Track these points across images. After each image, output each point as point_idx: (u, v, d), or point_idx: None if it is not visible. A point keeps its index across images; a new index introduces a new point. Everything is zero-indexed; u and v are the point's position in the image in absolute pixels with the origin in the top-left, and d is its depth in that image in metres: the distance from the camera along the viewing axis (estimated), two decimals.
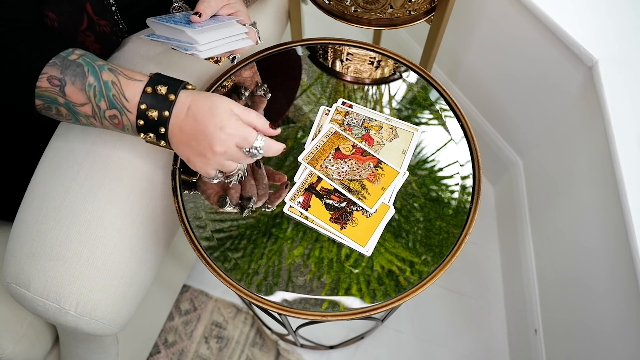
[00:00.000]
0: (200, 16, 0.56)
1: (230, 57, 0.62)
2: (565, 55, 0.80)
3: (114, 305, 0.59)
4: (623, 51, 0.75)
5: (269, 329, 1.06)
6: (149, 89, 0.50)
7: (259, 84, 0.66)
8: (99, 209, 0.58)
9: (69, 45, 0.52)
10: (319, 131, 0.64)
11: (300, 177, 0.60)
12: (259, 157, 0.53)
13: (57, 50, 0.50)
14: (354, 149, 0.63)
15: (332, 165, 0.61)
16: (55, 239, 0.57)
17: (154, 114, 0.50)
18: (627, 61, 0.74)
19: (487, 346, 1.07)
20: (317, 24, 1.19)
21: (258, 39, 0.62)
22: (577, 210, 0.83)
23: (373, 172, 0.61)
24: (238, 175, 0.55)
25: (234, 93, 0.66)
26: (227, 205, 0.57)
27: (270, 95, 0.66)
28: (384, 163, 0.62)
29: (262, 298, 0.54)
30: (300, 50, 0.73)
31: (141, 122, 0.51)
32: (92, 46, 0.65)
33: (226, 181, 0.56)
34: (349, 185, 0.60)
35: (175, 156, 0.62)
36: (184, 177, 0.60)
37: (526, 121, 1.00)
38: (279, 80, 0.64)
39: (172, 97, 0.50)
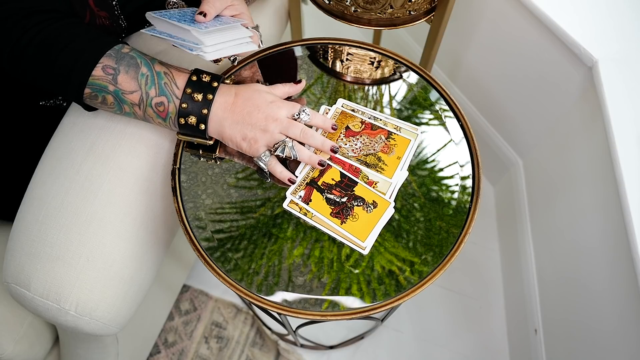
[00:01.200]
0: (205, 16, 0.57)
1: (231, 58, 0.62)
2: (565, 55, 0.80)
3: (114, 305, 0.59)
4: (623, 51, 0.75)
5: (269, 329, 1.06)
6: (194, 77, 0.55)
7: (260, 83, 0.66)
8: (99, 209, 0.58)
9: (118, 41, 0.56)
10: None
11: (301, 172, 0.60)
12: (307, 121, 0.58)
13: (112, 44, 0.54)
14: (363, 125, 0.64)
15: (346, 144, 0.63)
16: (56, 239, 0.57)
17: (199, 96, 0.55)
18: (627, 61, 0.74)
19: (487, 346, 1.07)
20: (317, 24, 1.19)
21: (260, 43, 0.63)
22: (577, 210, 0.83)
23: (386, 143, 0.63)
24: (287, 146, 0.57)
25: None
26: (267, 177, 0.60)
27: None
28: (395, 133, 0.64)
29: (262, 298, 0.54)
30: (300, 50, 0.73)
31: (185, 105, 0.55)
32: None
33: (276, 152, 0.57)
34: (365, 160, 0.61)
35: (175, 156, 0.62)
36: (205, 154, 0.62)
37: (526, 121, 1.00)
38: (277, 80, 0.64)
39: (215, 84, 0.56)
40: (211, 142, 0.59)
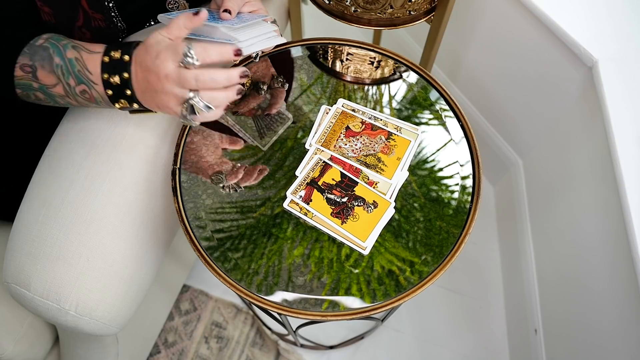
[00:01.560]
0: (230, 13, 0.56)
1: (253, 55, 0.61)
2: (565, 55, 0.80)
3: (114, 305, 0.59)
4: (623, 51, 0.75)
5: (269, 329, 1.06)
6: (106, 58, 0.52)
7: (275, 76, 0.66)
8: (99, 209, 0.58)
9: (38, 32, 0.54)
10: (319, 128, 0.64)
11: (302, 172, 0.60)
12: (196, 64, 0.49)
13: (27, 40, 0.52)
14: (364, 125, 0.64)
15: (346, 144, 0.63)
16: (56, 239, 0.57)
17: (115, 79, 0.52)
18: (627, 61, 0.74)
19: (487, 346, 1.07)
20: (317, 24, 1.18)
21: (280, 35, 0.61)
22: (577, 210, 0.83)
23: (386, 144, 0.63)
24: (192, 101, 0.50)
25: (253, 90, 0.67)
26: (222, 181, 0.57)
27: (287, 85, 0.66)
28: (395, 134, 0.63)
29: (262, 298, 0.54)
30: (300, 50, 0.73)
31: (110, 92, 0.52)
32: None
33: (188, 113, 0.51)
34: (365, 161, 0.61)
35: (175, 156, 0.62)
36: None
37: (526, 121, 1.00)
38: (273, 81, 0.64)
39: (126, 58, 0.51)
40: (157, 112, 0.56)
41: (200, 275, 1.14)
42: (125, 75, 0.51)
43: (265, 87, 0.66)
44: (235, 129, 0.64)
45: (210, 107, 0.50)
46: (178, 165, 0.61)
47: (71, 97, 0.54)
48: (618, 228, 0.68)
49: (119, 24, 0.65)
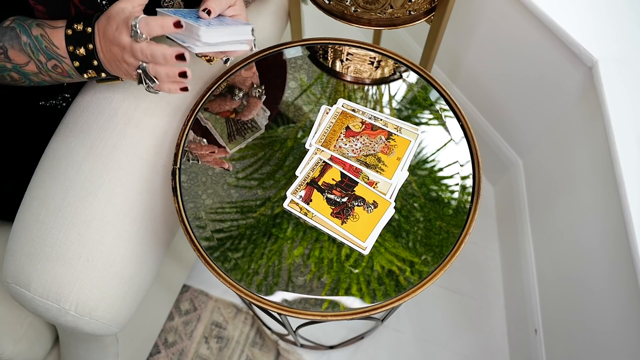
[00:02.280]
0: (209, 14, 0.56)
1: (224, 59, 0.61)
2: (565, 55, 0.80)
3: (114, 305, 0.59)
4: (623, 51, 0.75)
5: (269, 329, 1.06)
6: (69, 31, 0.53)
7: (255, 86, 0.66)
8: (99, 209, 0.58)
9: (7, 16, 0.55)
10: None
11: (302, 172, 0.60)
12: (142, 37, 0.50)
13: None
14: (364, 125, 0.64)
15: (346, 144, 0.62)
16: (55, 239, 0.57)
17: (81, 50, 0.53)
18: (627, 61, 0.74)
19: (487, 346, 1.07)
20: (317, 24, 1.18)
21: (253, 46, 0.61)
22: (577, 210, 0.83)
23: (386, 144, 0.63)
24: (141, 74, 0.52)
25: (228, 93, 0.66)
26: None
27: (265, 97, 0.66)
28: (395, 134, 0.63)
29: (262, 298, 0.54)
30: (300, 50, 0.73)
31: (77, 64, 0.54)
32: None
33: (143, 83, 0.54)
34: (365, 161, 0.61)
35: (175, 156, 0.62)
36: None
37: (526, 121, 1.00)
38: (267, 84, 0.64)
39: (89, 29, 0.53)
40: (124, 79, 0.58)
41: (200, 275, 1.14)
42: (90, 46, 0.53)
43: (240, 94, 0.67)
44: (208, 125, 0.64)
45: (154, 80, 0.53)
46: (178, 165, 0.61)
47: (44, 73, 0.55)
48: (618, 228, 0.68)
49: None
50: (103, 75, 0.55)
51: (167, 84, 0.54)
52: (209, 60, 0.61)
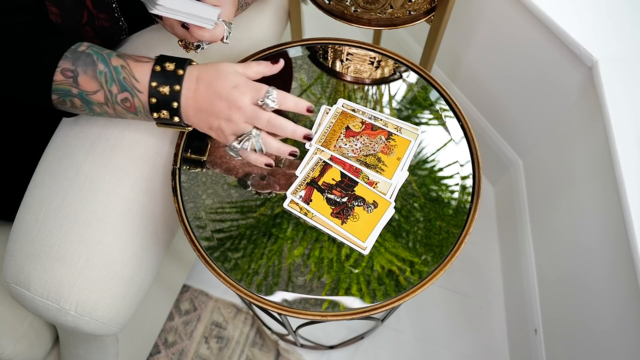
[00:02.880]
0: None
1: (195, 45, 0.60)
2: (565, 55, 0.80)
3: (114, 305, 0.59)
4: (623, 51, 0.75)
5: (269, 329, 1.06)
6: (158, 68, 0.52)
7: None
8: (99, 209, 0.58)
9: (77, 40, 0.54)
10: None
11: (302, 172, 0.60)
12: (273, 107, 0.54)
13: (68, 45, 0.53)
14: (364, 125, 0.64)
15: (346, 144, 0.62)
16: (55, 239, 0.57)
17: (165, 89, 0.52)
18: (627, 61, 0.74)
19: (487, 346, 1.07)
20: (317, 24, 1.18)
21: (225, 37, 0.59)
22: (577, 210, 0.83)
23: (386, 144, 0.63)
24: (252, 139, 0.54)
25: None
26: (248, 185, 0.59)
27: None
28: (395, 134, 0.63)
29: (262, 298, 0.54)
30: (300, 50, 0.73)
31: (154, 100, 0.52)
32: (92, 41, 0.65)
33: (241, 146, 0.54)
34: (365, 161, 0.61)
35: (175, 156, 0.62)
36: (193, 157, 0.61)
37: (526, 121, 1.00)
38: (271, 83, 0.63)
39: (180, 72, 0.52)
40: (190, 128, 0.57)
41: (200, 275, 1.14)
42: (177, 87, 0.52)
43: None
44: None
45: (262, 150, 0.53)
46: (178, 165, 0.61)
47: (110, 105, 0.54)
48: (618, 228, 0.68)
49: (121, 24, 0.66)
50: (176, 119, 0.53)
51: (258, 156, 0.55)
52: (186, 47, 0.60)
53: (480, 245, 1.18)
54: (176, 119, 0.54)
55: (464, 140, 0.64)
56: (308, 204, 0.58)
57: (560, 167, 0.91)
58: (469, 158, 0.63)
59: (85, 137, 0.62)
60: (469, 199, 0.60)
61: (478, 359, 1.05)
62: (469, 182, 0.61)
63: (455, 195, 0.60)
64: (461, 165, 0.63)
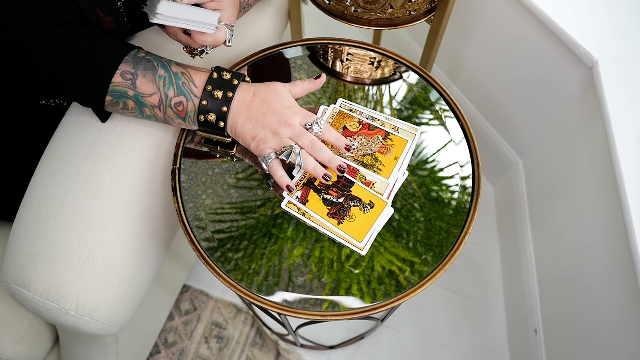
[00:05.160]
0: None
1: (198, 50, 0.61)
2: (565, 55, 0.80)
3: (114, 305, 0.59)
4: (623, 51, 0.75)
5: (269, 329, 1.06)
6: (215, 75, 0.56)
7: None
8: (99, 209, 0.58)
9: (134, 46, 0.57)
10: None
11: (298, 172, 0.60)
12: (318, 133, 0.57)
13: (128, 50, 0.56)
14: (361, 125, 0.64)
15: None
16: (56, 239, 0.57)
17: (218, 94, 0.55)
18: (627, 61, 0.74)
19: (487, 346, 1.07)
20: (317, 24, 1.19)
21: (227, 41, 0.60)
22: (577, 210, 0.83)
23: (383, 144, 0.63)
24: (294, 152, 0.56)
25: None
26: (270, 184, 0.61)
27: None
28: (392, 134, 0.63)
29: (262, 298, 0.54)
30: (300, 50, 0.73)
31: (204, 103, 0.55)
32: None
33: (282, 156, 0.57)
34: (362, 160, 0.61)
35: (175, 156, 0.62)
36: (222, 150, 0.62)
37: (526, 121, 1.00)
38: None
39: (235, 82, 0.56)
40: (229, 140, 0.59)
41: (200, 275, 1.14)
42: (230, 94, 0.55)
43: None
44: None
45: (300, 165, 0.56)
46: (178, 165, 0.61)
47: (162, 108, 0.56)
48: (618, 228, 0.68)
49: (128, 25, 0.66)
50: (221, 124, 0.56)
51: (284, 175, 0.56)
52: (190, 53, 0.61)
53: (480, 245, 1.18)
54: (221, 123, 0.56)
55: (464, 140, 0.64)
56: (304, 204, 0.58)
57: (560, 167, 0.91)
58: (469, 158, 0.63)
59: (86, 137, 0.62)
60: (469, 199, 0.60)
61: (478, 359, 1.05)
62: (468, 182, 0.61)
63: (455, 195, 0.60)
64: (461, 166, 0.63)
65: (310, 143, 0.56)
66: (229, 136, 0.59)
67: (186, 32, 0.58)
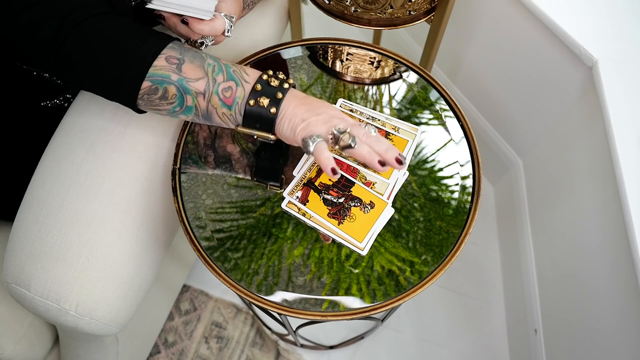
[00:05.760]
0: None
1: (198, 42, 0.60)
2: (565, 55, 0.80)
3: (114, 305, 0.59)
4: (623, 51, 0.75)
5: (269, 329, 1.06)
6: (270, 72, 0.55)
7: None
8: (99, 209, 0.59)
9: (176, 38, 0.56)
10: None
11: (299, 172, 0.60)
12: (373, 133, 0.55)
13: (171, 38, 0.54)
14: None
15: None
16: (56, 239, 0.57)
17: (275, 82, 0.54)
18: (627, 61, 0.74)
19: (487, 346, 1.07)
20: (317, 24, 1.19)
21: (226, 31, 0.59)
22: (577, 210, 0.83)
23: None
24: (345, 133, 0.53)
25: None
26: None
27: None
28: (393, 134, 0.63)
29: (262, 298, 0.54)
30: (300, 50, 0.73)
31: (259, 87, 0.53)
32: None
33: (336, 132, 0.53)
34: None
35: (175, 156, 0.62)
36: (272, 186, 0.60)
37: (526, 121, 1.00)
38: None
39: (290, 81, 0.56)
40: (273, 138, 0.55)
41: (200, 275, 1.14)
42: (286, 85, 0.54)
43: None
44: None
45: (352, 145, 0.52)
46: (178, 165, 0.61)
47: (206, 95, 0.53)
48: (618, 228, 0.68)
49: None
50: (273, 110, 0.53)
51: (330, 158, 0.52)
52: (192, 47, 0.60)
53: (480, 245, 1.18)
54: (273, 109, 0.53)
55: (464, 140, 0.64)
56: (305, 204, 0.58)
57: (560, 167, 0.91)
58: (469, 158, 0.63)
59: (86, 137, 0.62)
60: (469, 199, 0.60)
61: (478, 358, 1.05)
62: (469, 182, 0.61)
63: (455, 195, 0.60)
64: (461, 165, 0.63)
65: (364, 133, 0.54)
66: (274, 133, 0.55)
67: (184, 21, 0.57)
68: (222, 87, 0.53)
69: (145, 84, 0.51)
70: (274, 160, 0.61)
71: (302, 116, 0.53)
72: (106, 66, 0.51)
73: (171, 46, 0.53)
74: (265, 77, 0.54)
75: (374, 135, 0.55)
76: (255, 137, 0.55)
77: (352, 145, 0.52)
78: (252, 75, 0.55)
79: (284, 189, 0.59)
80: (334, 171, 0.52)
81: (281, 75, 0.55)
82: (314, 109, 0.54)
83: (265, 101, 0.53)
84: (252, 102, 0.53)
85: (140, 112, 0.57)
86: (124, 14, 0.61)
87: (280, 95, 0.53)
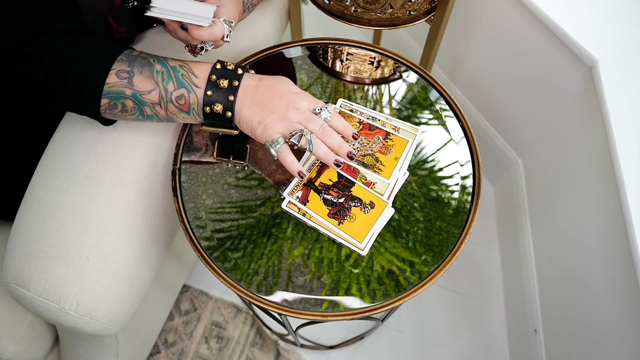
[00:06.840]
0: None
1: (198, 47, 0.60)
2: (565, 55, 0.80)
3: (114, 305, 0.59)
4: (622, 51, 0.75)
5: (269, 329, 1.06)
6: (219, 65, 0.55)
7: None
8: (99, 209, 0.59)
9: (126, 46, 0.56)
10: None
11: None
12: (327, 119, 0.56)
13: (121, 50, 0.54)
14: (361, 125, 0.64)
15: None
16: (56, 239, 0.57)
17: (224, 83, 0.53)
18: (627, 61, 0.74)
19: (487, 346, 1.07)
20: (317, 24, 1.19)
21: (225, 36, 0.59)
22: (577, 210, 0.83)
23: (383, 144, 0.63)
24: (305, 136, 0.54)
25: None
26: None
27: None
28: (393, 134, 0.63)
29: (262, 298, 0.54)
30: (300, 50, 0.73)
31: (210, 93, 0.53)
32: None
33: (291, 139, 0.55)
34: (363, 161, 0.61)
35: (175, 156, 0.62)
36: (236, 162, 0.62)
37: (526, 121, 1.00)
38: None
39: (240, 71, 0.55)
40: (236, 132, 0.57)
41: (200, 275, 1.14)
42: (235, 82, 0.54)
43: None
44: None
45: (311, 150, 0.54)
46: (178, 165, 0.61)
47: (163, 104, 0.54)
48: (618, 228, 0.68)
49: (136, 33, 0.67)
50: (228, 114, 0.54)
51: (295, 161, 0.55)
52: (192, 51, 0.61)
53: (480, 245, 1.18)
54: (229, 113, 0.54)
55: (464, 140, 0.64)
56: (305, 204, 0.58)
57: (560, 167, 0.91)
58: (469, 158, 0.63)
59: (86, 137, 0.62)
60: (469, 199, 0.60)
61: (478, 358, 1.05)
62: (469, 182, 0.61)
63: (455, 195, 0.60)
64: (461, 165, 0.63)
65: (320, 128, 0.55)
66: (236, 128, 0.57)
67: (183, 27, 0.57)
68: (174, 95, 0.54)
69: (104, 101, 0.53)
70: (238, 136, 0.60)
71: (257, 119, 0.54)
72: (64, 90, 0.52)
73: (120, 59, 0.53)
74: (214, 77, 0.54)
75: (329, 121, 0.56)
76: (220, 132, 0.58)
77: (310, 149, 0.54)
78: (200, 77, 0.54)
79: (284, 189, 0.59)
80: (300, 174, 0.55)
81: (230, 67, 0.55)
82: (268, 104, 0.54)
83: (219, 107, 0.54)
84: (207, 109, 0.54)
85: (107, 122, 0.59)
86: (125, 26, 0.61)
87: (232, 97, 0.54)
